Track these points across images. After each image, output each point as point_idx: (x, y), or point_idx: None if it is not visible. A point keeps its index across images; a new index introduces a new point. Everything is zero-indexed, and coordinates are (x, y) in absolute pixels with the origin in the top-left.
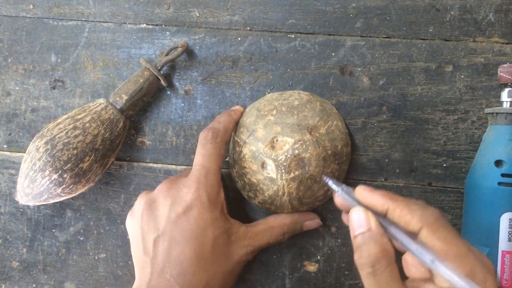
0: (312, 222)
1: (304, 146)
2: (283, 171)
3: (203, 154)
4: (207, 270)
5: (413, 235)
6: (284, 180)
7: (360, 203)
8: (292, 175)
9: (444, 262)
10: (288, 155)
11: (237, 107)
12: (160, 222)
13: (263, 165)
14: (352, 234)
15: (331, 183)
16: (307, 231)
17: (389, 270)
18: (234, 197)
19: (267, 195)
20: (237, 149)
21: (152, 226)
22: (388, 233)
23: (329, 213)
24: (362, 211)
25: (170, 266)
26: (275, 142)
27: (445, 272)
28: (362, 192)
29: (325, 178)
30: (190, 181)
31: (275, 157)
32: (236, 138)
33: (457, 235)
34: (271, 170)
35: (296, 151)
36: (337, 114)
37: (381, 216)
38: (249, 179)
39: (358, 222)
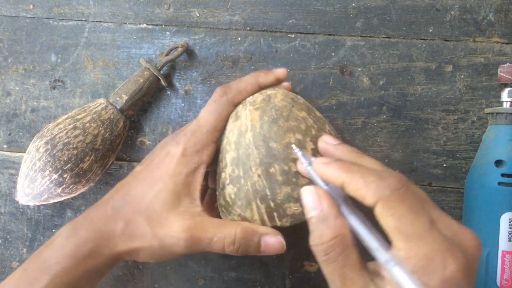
0: (274, 238)
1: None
2: (249, 106)
3: (204, 111)
4: (136, 216)
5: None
6: (247, 111)
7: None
8: (256, 106)
9: (400, 265)
10: (259, 99)
11: (279, 72)
12: (152, 157)
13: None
14: (306, 216)
15: (300, 154)
16: (307, 231)
17: (344, 257)
18: None
19: (233, 139)
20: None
21: (149, 158)
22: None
23: None
24: (312, 190)
25: (124, 188)
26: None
27: (397, 277)
28: (318, 166)
29: (294, 147)
30: (182, 132)
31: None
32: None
33: (420, 209)
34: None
35: (263, 96)
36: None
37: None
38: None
39: (310, 202)
